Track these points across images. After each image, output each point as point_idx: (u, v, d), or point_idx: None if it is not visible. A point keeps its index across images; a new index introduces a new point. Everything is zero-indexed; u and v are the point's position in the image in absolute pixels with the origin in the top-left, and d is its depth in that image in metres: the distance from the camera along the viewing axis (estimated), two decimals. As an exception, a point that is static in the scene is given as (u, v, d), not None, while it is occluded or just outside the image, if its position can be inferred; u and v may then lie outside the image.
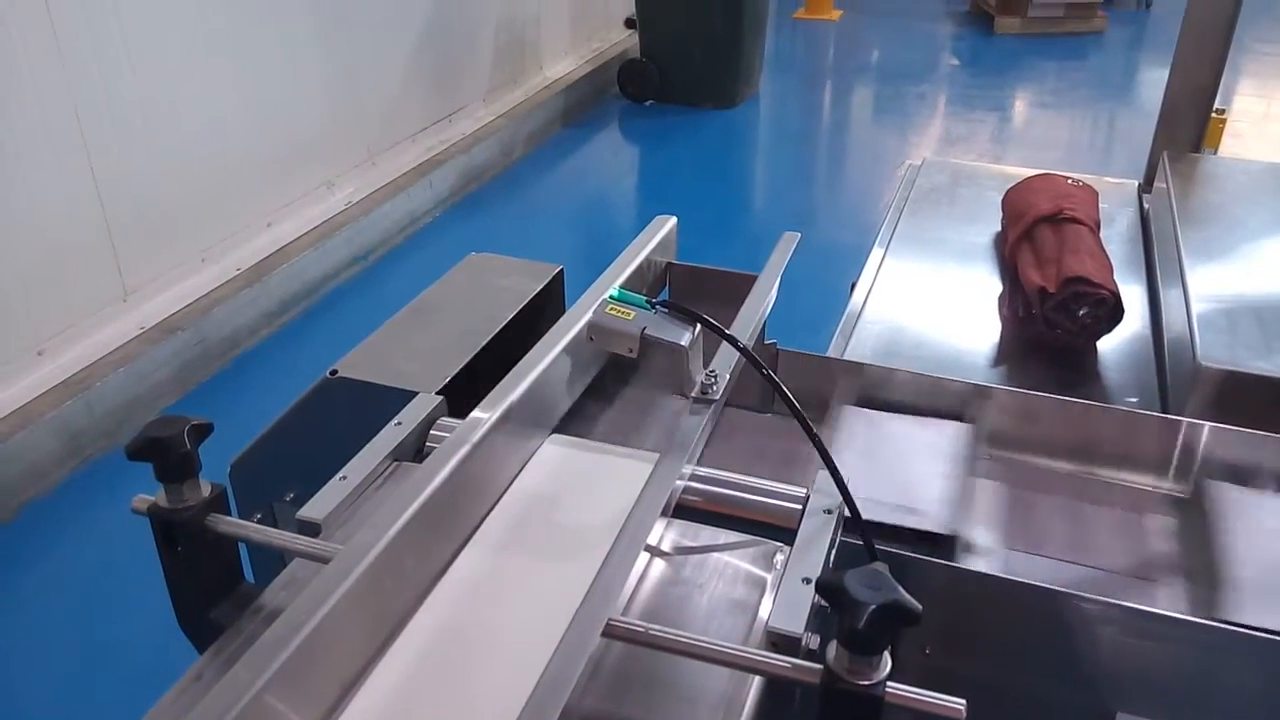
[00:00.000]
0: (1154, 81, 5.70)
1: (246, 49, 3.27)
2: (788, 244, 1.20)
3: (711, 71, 5.26)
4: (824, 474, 0.90)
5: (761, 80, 5.64)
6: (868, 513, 0.88)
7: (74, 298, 2.79)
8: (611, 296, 0.92)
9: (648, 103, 5.41)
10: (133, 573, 2.26)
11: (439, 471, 0.79)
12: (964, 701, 0.67)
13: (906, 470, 1.13)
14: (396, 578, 0.75)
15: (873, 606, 0.63)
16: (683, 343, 0.89)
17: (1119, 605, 0.99)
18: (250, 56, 3.29)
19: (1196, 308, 1.33)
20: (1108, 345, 1.46)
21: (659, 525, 0.88)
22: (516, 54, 5.01)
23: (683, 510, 0.92)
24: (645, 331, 0.89)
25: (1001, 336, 1.50)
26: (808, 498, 0.90)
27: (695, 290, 1.25)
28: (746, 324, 1.03)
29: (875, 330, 1.53)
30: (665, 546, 0.89)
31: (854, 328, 1.53)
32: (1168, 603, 1.02)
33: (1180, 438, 1.15)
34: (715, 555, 0.90)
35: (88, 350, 2.82)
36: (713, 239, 3.76)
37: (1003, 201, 1.76)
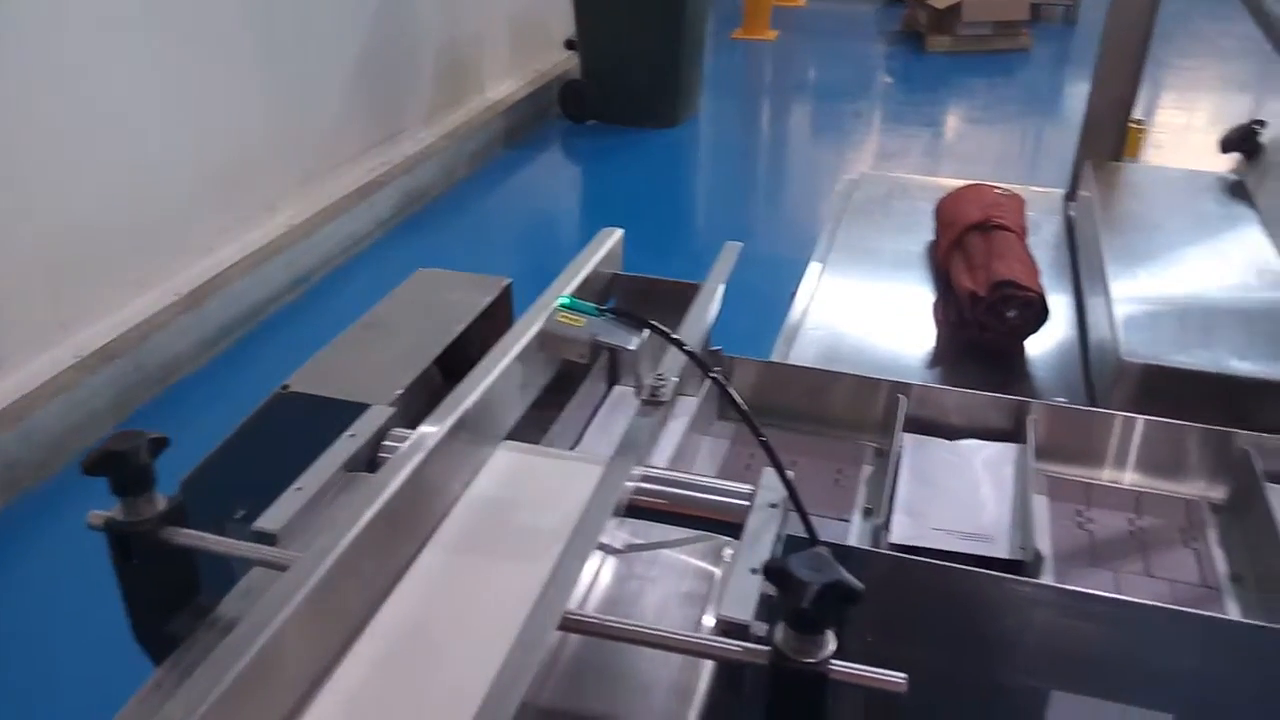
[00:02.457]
0: (1078, 95, 5.90)
1: (183, 73, 3.24)
2: (730, 253, 1.24)
3: (652, 91, 5.32)
4: (769, 470, 0.94)
5: (701, 100, 5.72)
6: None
7: (8, 328, 2.73)
8: (561, 304, 0.95)
9: (589, 123, 5.46)
10: (69, 605, 2.23)
11: (394, 478, 0.81)
12: (905, 676, 0.70)
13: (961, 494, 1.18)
14: (354, 582, 0.77)
15: (816, 586, 0.66)
16: (631, 347, 0.92)
17: (1051, 587, 1.04)
18: (187, 80, 3.27)
19: (1118, 307, 1.40)
20: (1037, 347, 1.52)
21: (612, 524, 0.91)
22: (458, 75, 5.03)
23: (636, 510, 0.95)
24: (595, 337, 0.92)
25: (937, 340, 1.55)
26: (755, 494, 0.93)
27: (641, 300, 1.28)
28: (693, 329, 1.07)
29: (817, 336, 1.58)
30: (618, 545, 0.92)
31: (796, 335, 1.57)
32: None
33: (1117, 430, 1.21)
34: (667, 552, 0.93)
35: (23, 381, 2.76)
36: (657, 255, 3.77)
37: (935, 211, 1.83)
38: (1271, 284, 1.44)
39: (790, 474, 0.93)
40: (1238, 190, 1.74)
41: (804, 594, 0.66)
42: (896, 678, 0.70)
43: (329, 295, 3.70)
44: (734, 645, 0.72)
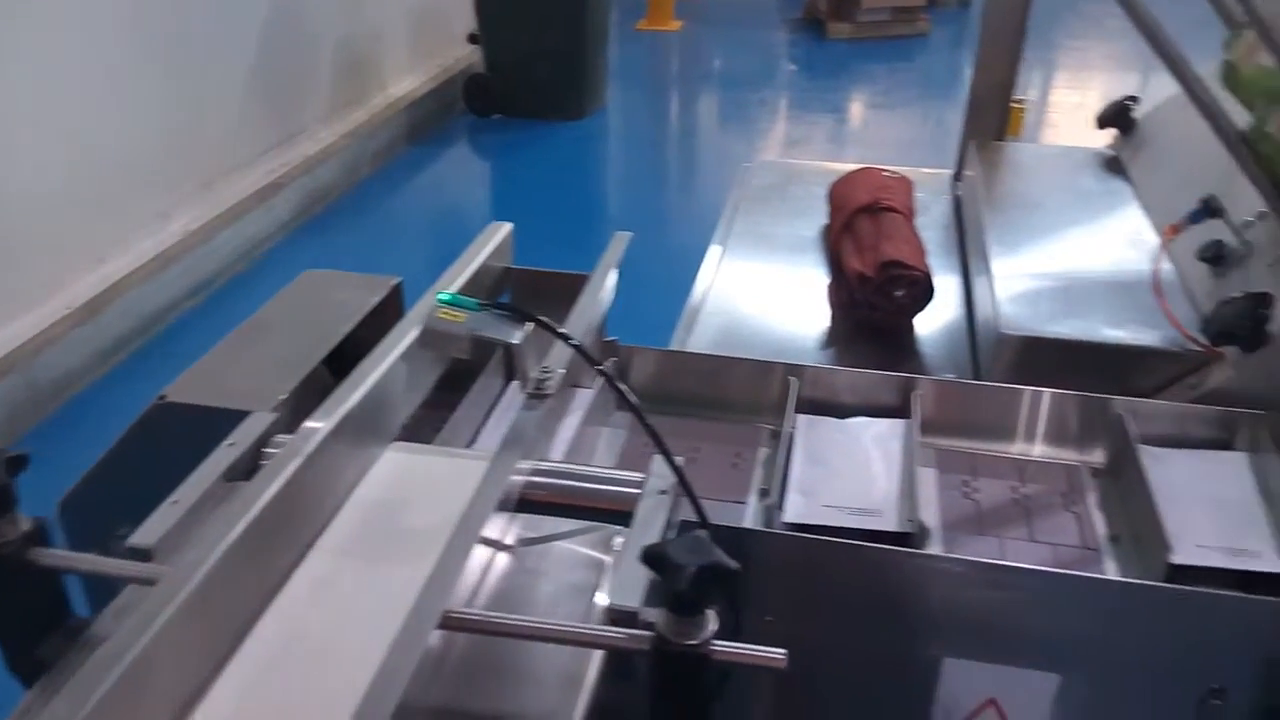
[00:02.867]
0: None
1: (67, 76, 3.11)
2: (619, 243, 1.24)
3: (557, 84, 5.29)
4: (659, 458, 0.94)
5: (608, 91, 5.72)
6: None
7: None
8: (440, 300, 0.94)
9: (495, 117, 5.41)
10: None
11: (268, 486, 0.79)
12: (784, 651, 0.72)
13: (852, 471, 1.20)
14: (230, 593, 0.75)
15: (692, 569, 0.67)
16: (514, 340, 0.92)
17: (937, 556, 1.07)
18: (72, 84, 3.14)
19: (999, 282, 1.45)
20: (927, 324, 1.56)
21: (501, 520, 0.90)
22: (358, 72, 4.93)
23: (527, 504, 0.95)
24: (476, 332, 0.91)
25: (831, 321, 1.58)
26: (645, 481, 0.94)
27: (535, 293, 1.28)
28: (580, 320, 1.07)
29: (715, 322, 1.59)
30: (509, 540, 0.91)
31: (694, 321, 1.59)
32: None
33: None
34: (559, 544, 0.93)
35: (-97, 403, 2.63)
36: (569, 248, 3.78)
37: (828, 196, 1.86)
38: (1144, 255, 1.50)
39: (680, 460, 0.94)
40: (1113, 165, 1.81)
41: (680, 577, 0.67)
42: (776, 654, 0.71)
43: (231, 301, 3.60)
44: (616, 633, 0.72)
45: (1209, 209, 1.34)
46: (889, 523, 1.10)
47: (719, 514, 1.16)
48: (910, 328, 1.55)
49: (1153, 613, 0.98)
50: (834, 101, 6.06)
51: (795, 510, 1.12)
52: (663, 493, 0.92)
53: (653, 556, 0.69)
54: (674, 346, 1.52)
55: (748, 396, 1.32)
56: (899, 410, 1.26)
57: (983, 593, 1.01)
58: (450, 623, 0.72)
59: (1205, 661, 0.98)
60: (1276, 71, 1.12)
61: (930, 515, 1.16)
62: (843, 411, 1.29)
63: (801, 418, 1.27)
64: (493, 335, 0.91)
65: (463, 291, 1.11)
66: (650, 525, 0.88)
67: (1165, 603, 0.98)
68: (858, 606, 1.04)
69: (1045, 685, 1.03)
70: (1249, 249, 1.32)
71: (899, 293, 1.49)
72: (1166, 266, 1.42)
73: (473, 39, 5.48)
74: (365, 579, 0.82)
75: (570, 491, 0.96)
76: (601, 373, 0.97)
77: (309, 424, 0.87)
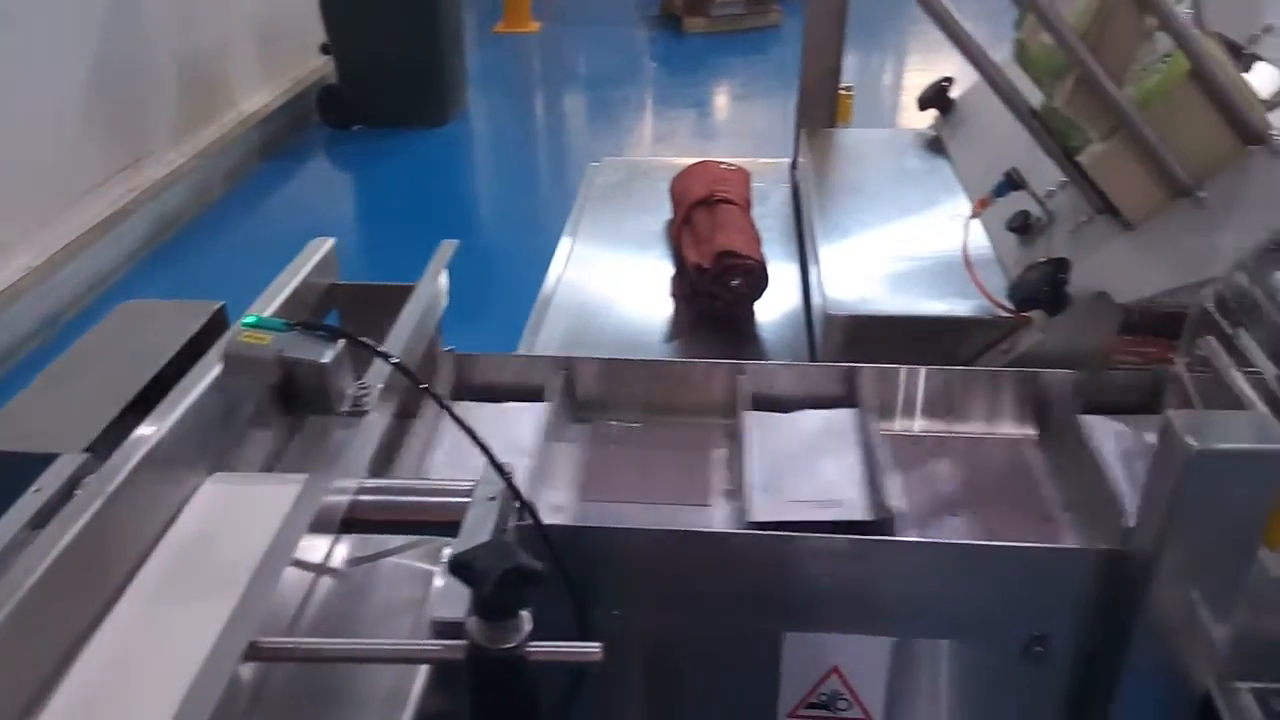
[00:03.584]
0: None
1: None
2: (444, 252, 1.23)
3: (414, 91, 5.22)
4: (489, 465, 0.94)
5: (469, 96, 5.67)
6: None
7: None
8: (244, 323, 0.92)
9: (353, 128, 5.30)
10: None
11: (64, 532, 0.76)
12: (599, 645, 0.73)
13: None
14: (29, 648, 0.72)
15: (495, 574, 0.68)
16: (324, 360, 0.90)
17: (771, 536, 1.10)
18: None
19: (825, 265, 1.50)
20: (769, 311, 1.60)
21: (325, 542, 0.89)
22: (205, 90, 4.76)
23: (354, 524, 0.94)
24: (282, 353, 0.90)
25: (675, 313, 1.61)
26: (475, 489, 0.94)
27: (364, 308, 1.26)
28: (401, 334, 1.06)
29: (563, 324, 1.60)
30: (334, 562, 0.90)
31: (542, 322, 1.59)
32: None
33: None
34: (387, 561, 0.92)
35: None
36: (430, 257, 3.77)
37: (670, 190, 1.89)
38: (962, 229, 1.56)
39: (509, 465, 0.94)
40: (935, 145, 1.89)
41: (486, 583, 0.68)
42: (591, 649, 0.73)
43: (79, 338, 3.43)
44: (430, 645, 0.72)
45: (1012, 182, 1.42)
46: (858, 512, 1.12)
47: (681, 518, 1.16)
48: (750, 315, 1.59)
49: (974, 570, 1.03)
50: (695, 96, 6.15)
51: (764, 510, 1.12)
52: (491, 499, 0.93)
53: (457, 565, 0.69)
54: (521, 348, 1.53)
55: (596, 393, 1.32)
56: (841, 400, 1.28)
57: (814, 565, 1.04)
58: (260, 653, 0.71)
59: (1026, 612, 1.04)
60: (1058, 49, 1.19)
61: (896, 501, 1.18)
62: (785, 405, 1.30)
63: (749, 415, 1.27)
64: (301, 356, 0.89)
65: (283, 311, 1.09)
66: (478, 533, 0.88)
67: (985, 560, 1.03)
68: (698, 592, 1.07)
69: (881, 648, 1.07)
70: (1051, 218, 1.40)
71: (735, 281, 1.53)
72: (981, 239, 1.50)
73: (325, 49, 5.35)
74: (178, 616, 0.80)
75: (399, 507, 0.96)
76: (423, 388, 0.96)
77: (111, 462, 0.84)
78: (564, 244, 1.83)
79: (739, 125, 5.79)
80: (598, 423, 1.30)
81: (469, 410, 1.23)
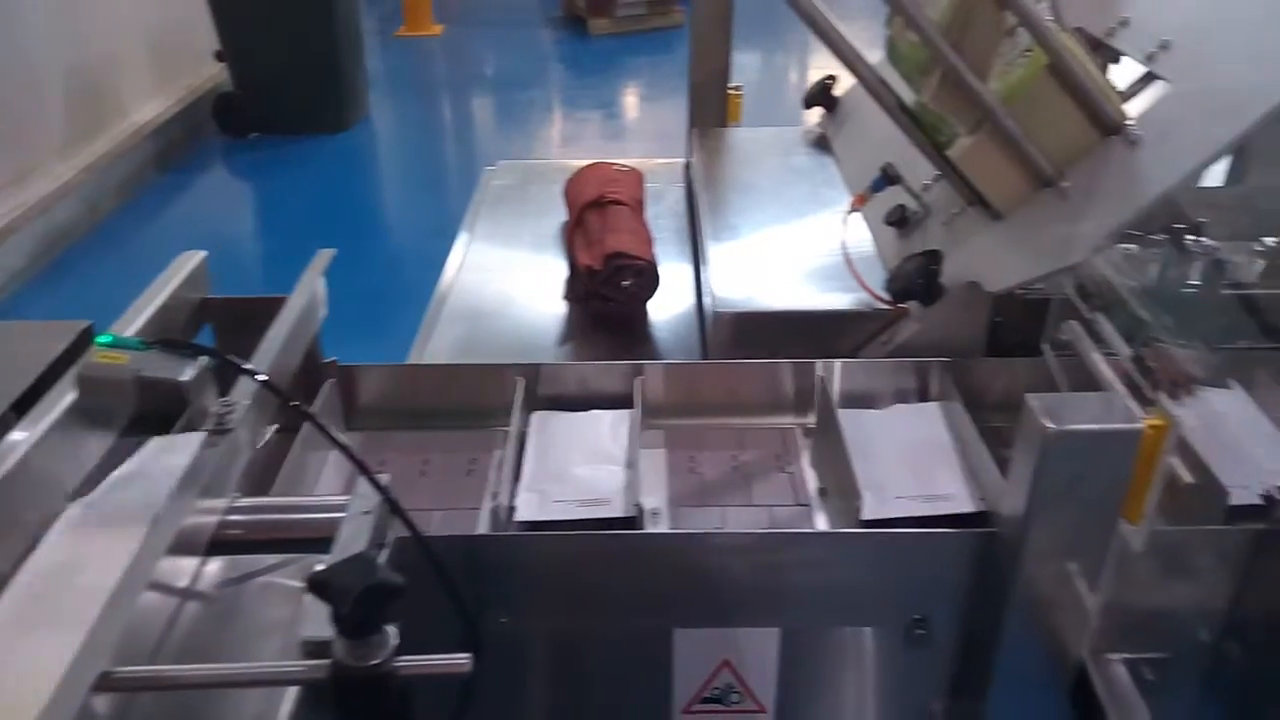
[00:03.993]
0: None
1: None
2: (320, 261, 1.21)
3: (314, 97, 5.12)
4: (363, 479, 0.93)
5: (370, 101, 5.58)
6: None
7: None
8: (99, 342, 0.89)
9: (251, 136, 5.17)
10: None
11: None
12: (469, 655, 0.72)
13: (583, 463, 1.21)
14: None
15: (355, 591, 0.67)
16: (183, 378, 0.88)
17: (661, 534, 1.11)
18: None
19: (713, 263, 1.51)
20: (663, 310, 1.61)
21: (191, 565, 0.87)
22: (94, 101, 4.59)
23: (224, 545, 0.91)
24: (140, 373, 0.87)
25: (569, 316, 1.61)
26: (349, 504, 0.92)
27: (239, 323, 1.23)
28: (271, 348, 1.03)
29: (454, 331, 1.58)
30: (202, 585, 0.88)
31: (432, 330, 1.57)
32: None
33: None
34: (259, 581, 0.90)
35: None
36: (344, 267, 3.69)
37: (563, 193, 1.88)
38: (847, 224, 1.59)
39: (384, 476, 0.93)
40: (821, 142, 1.93)
41: (344, 601, 0.67)
42: (460, 660, 0.72)
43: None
44: (295, 667, 0.71)
45: (888, 177, 1.45)
46: (616, 509, 1.13)
47: (454, 523, 1.18)
48: (644, 315, 1.60)
49: (853, 558, 1.05)
50: (602, 97, 6.16)
51: (528, 510, 1.13)
52: (366, 513, 0.91)
53: (316, 583, 0.68)
54: (412, 356, 1.51)
55: (482, 401, 1.32)
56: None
57: (700, 562, 1.05)
58: (115, 684, 0.69)
59: (906, 596, 1.07)
60: (924, 46, 1.22)
61: (659, 495, 1.20)
62: (578, 405, 1.31)
63: (536, 416, 1.29)
64: (160, 375, 0.87)
65: (149, 329, 1.06)
66: (351, 549, 0.87)
67: (863, 547, 1.05)
68: (589, 594, 1.07)
69: (768, 640, 1.08)
70: (927, 211, 1.43)
71: (627, 282, 1.53)
72: (862, 233, 1.53)
73: (219, 56, 5.21)
74: (34, 649, 0.77)
75: (271, 525, 0.93)
76: (295, 408, 0.94)
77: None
78: (457, 249, 1.81)
79: (647, 125, 5.81)
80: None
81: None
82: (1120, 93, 1.29)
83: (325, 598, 0.68)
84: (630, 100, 6.25)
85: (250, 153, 5.12)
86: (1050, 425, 0.88)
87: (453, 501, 1.20)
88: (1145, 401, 0.95)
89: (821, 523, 1.16)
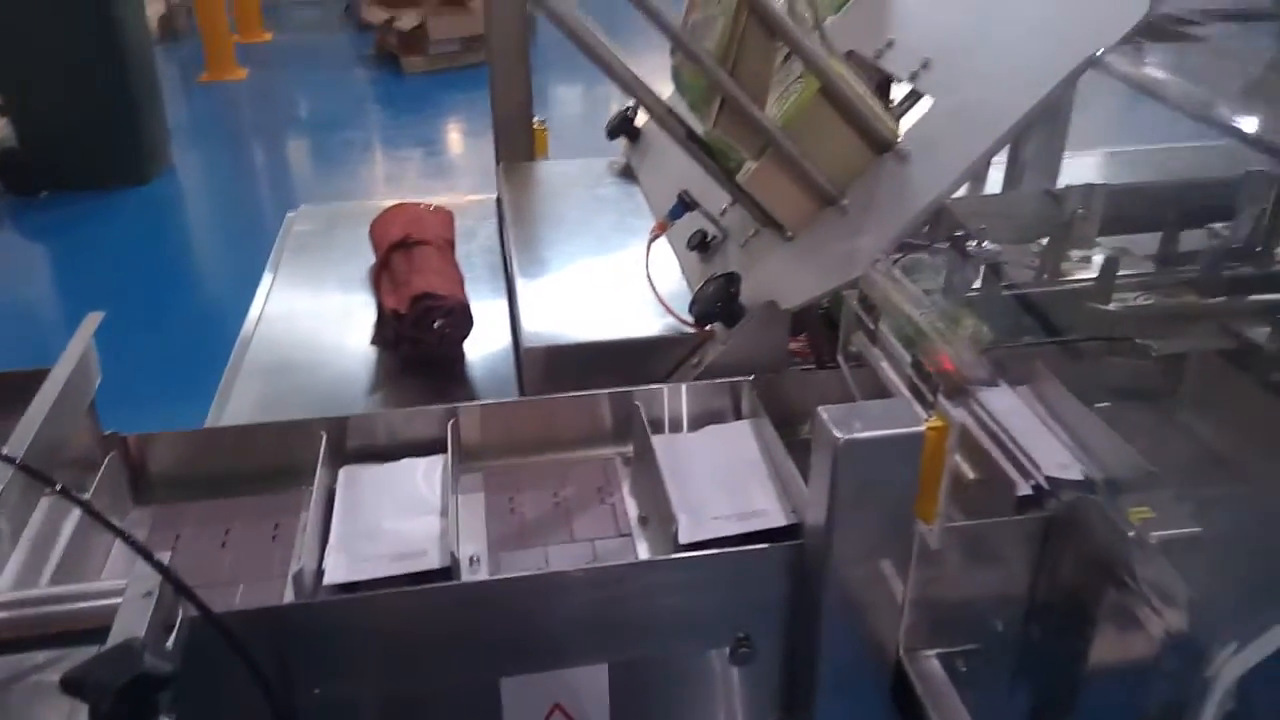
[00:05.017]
0: (555, 97, 6.35)
1: None
2: (87, 326, 1.13)
3: (109, 149, 4.83)
4: (142, 561, 0.86)
5: (174, 151, 5.31)
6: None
7: None
8: None
9: (42, 194, 4.83)
10: None
11: None
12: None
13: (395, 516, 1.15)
14: None
15: (114, 688, 0.61)
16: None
17: (476, 583, 1.08)
18: None
19: (522, 298, 1.50)
20: (479, 349, 1.58)
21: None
22: None
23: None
24: None
25: (379, 362, 1.56)
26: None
27: (5, 397, 1.13)
28: (30, 426, 0.95)
29: (256, 388, 1.50)
30: (-42, 696, 0.79)
31: (232, 389, 1.49)
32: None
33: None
34: (29, 681, 0.82)
35: None
36: (146, 330, 3.48)
37: (370, 235, 1.83)
38: (654, 253, 1.61)
39: (165, 556, 0.87)
40: (627, 172, 1.95)
41: (102, 700, 0.61)
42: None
43: None
44: (55, 777, 0.64)
45: (684, 204, 1.48)
46: (432, 561, 1.09)
47: (259, 595, 1.11)
48: (460, 356, 1.57)
49: (672, 583, 1.05)
50: (422, 135, 6.08)
51: (335, 571, 1.08)
52: (147, 595, 0.84)
53: (70, 682, 0.62)
54: (210, 418, 1.42)
55: (285, 461, 1.25)
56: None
57: (520, 606, 1.03)
58: None
59: (728, 615, 1.07)
60: (703, 74, 1.25)
61: (478, 541, 1.17)
62: (392, 455, 1.27)
63: (343, 471, 1.24)
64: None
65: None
66: (131, 635, 0.80)
67: (680, 571, 1.05)
68: (408, 652, 1.03)
69: (597, 676, 1.07)
70: (725, 234, 1.47)
71: (437, 323, 1.50)
72: (669, 259, 1.55)
73: (0, 110, 4.85)
74: None
75: (40, 619, 0.85)
76: (58, 490, 0.86)
77: None
78: (257, 301, 1.73)
79: (471, 161, 5.77)
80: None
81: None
82: (891, 109, 1.37)
83: (82, 697, 0.62)
84: (453, 137, 6.20)
85: (42, 212, 4.78)
86: (839, 435, 0.91)
87: (257, 572, 1.14)
88: (928, 405, 0.99)
89: (643, 551, 1.16)
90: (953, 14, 1.35)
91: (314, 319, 1.69)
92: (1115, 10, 1.08)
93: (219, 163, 5.69)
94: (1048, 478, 1.07)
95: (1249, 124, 1.35)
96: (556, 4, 1.20)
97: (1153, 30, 1.16)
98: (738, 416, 1.33)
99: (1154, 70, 1.05)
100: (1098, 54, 1.06)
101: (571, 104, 6.56)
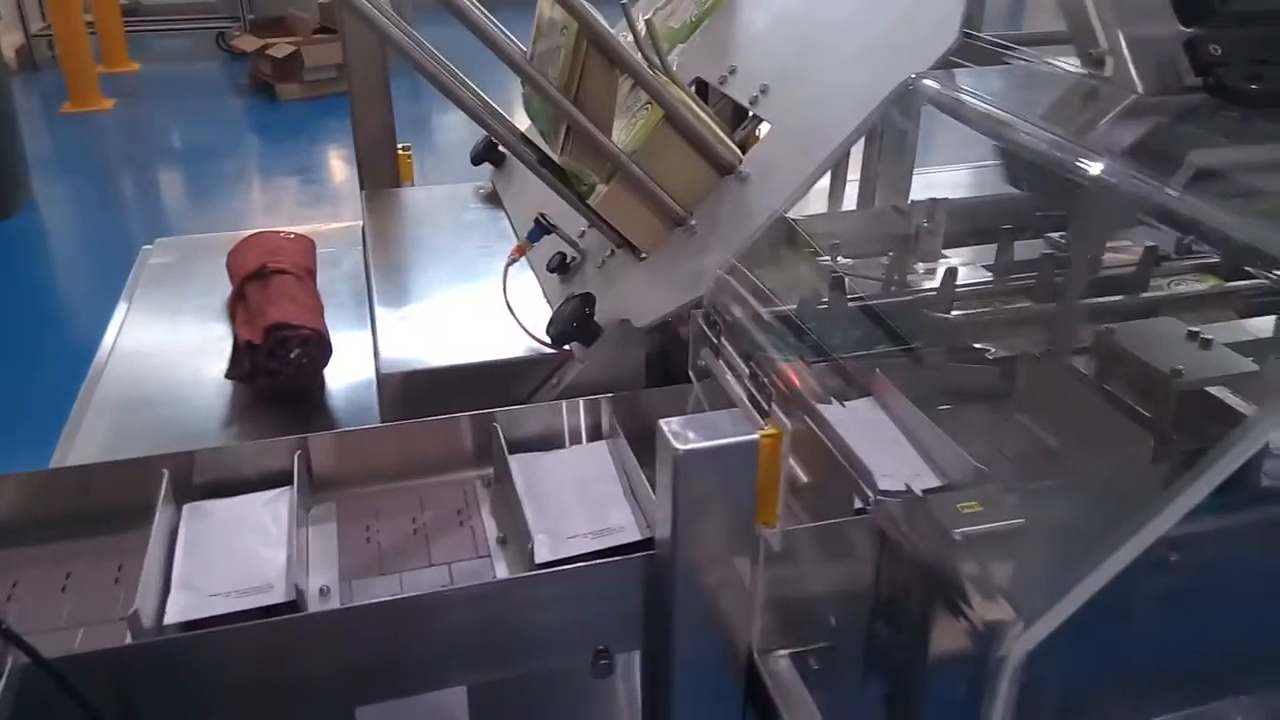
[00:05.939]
0: (439, 124, 6.31)
1: None
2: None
3: (-40, 184, 4.60)
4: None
5: (34, 184, 5.08)
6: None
7: None
8: None
9: (-114, 235, 4.56)
10: None
11: None
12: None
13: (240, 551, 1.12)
14: None
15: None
16: None
17: (323, 613, 1.07)
18: None
19: (381, 324, 1.50)
20: (341, 378, 1.56)
21: None
22: None
23: None
24: None
25: (236, 395, 1.53)
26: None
27: None
28: None
29: (104, 425, 1.46)
30: None
31: (79, 428, 1.44)
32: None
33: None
34: None
35: None
36: (16, 368, 3.33)
37: (226, 266, 1.79)
38: (513, 275, 1.62)
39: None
40: (493, 197, 1.96)
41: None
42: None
43: None
44: None
45: (541, 227, 1.50)
46: (278, 595, 1.07)
47: (100, 639, 1.07)
48: (321, 385, 1.55)
49: (528, 601, 1.06)
50: (299, 162, 5.97)
51: (176, 610, 1.06)
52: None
53: None
54: (54, 458, 1.37)
55: (129, 501, 1.22)
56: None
57: (372, 633, 1.02)
58: None
59: (585, 629, 1.09)
60: (545, 102, 1.28)
61: (329, 572, 1.16)
62: (244, 489, 1.24)
63: (187, 508, 1.21)
64: None
65: None
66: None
67: (536, 589, 1.06)
68: (257, 688, 1.01)
69: (457, 699, 1.07)
70: (583, 256, 1.49)
71: (293, 354, 1.48)
72: (530, 282, 1.57)
73: None
74: None
75: None
76: None
77: None
78: (108, 336, 1.68)
79: (350, 187, 5.66)
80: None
81: None
82: (748, 130, 1.42)
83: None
84: (333, 164, 6.10)
85: (-115, 252, 4.51)
86: (678, 446, 0.94)
87: (99, 614, 1.10)
88: (765, 414, 1.03)
89: (501, 572, 1.17)
90: (788, 42, 1.42)
91: (168, 353, 1.65)
92: (927, 38, 1.15)
93: (84, 195, 5.47)
94: (880, 478, 1.12)
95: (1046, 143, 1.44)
96: (400, 38, 1.21)
97: (966, 55, 1.24)
98: (599, 434, 1.35)
99: (961, 94, 1.13)
100: (911, 78, 1.13)
101: (455, 130, 6.53)
